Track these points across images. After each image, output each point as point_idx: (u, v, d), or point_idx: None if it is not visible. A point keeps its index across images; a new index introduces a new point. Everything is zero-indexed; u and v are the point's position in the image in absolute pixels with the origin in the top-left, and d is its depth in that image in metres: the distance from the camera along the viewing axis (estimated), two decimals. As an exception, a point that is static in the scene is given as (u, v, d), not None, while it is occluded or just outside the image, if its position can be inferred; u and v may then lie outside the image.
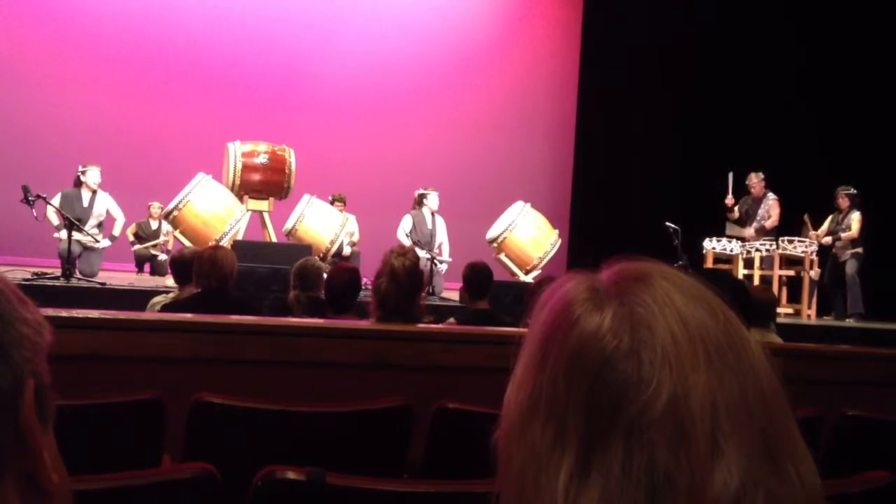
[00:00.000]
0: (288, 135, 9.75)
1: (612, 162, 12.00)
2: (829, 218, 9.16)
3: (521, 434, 0.65)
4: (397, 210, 9.21)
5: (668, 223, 8.95)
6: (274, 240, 8.80)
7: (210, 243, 7.10)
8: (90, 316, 2.63)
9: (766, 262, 8.99)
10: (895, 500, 1.77)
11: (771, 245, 8.89)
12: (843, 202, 9.01)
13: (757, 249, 8.93)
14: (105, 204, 8.36)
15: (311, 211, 8.69)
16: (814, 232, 9.07)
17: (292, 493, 1.51)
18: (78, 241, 7.69)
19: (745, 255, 9.04)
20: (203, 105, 11.09)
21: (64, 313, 2.57)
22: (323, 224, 8.69)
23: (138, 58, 10.94)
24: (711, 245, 9.12)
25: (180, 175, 8.48)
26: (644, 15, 11.65)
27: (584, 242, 11.42)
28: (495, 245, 9.25)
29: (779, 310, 7.68)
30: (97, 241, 8.17)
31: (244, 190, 8.78)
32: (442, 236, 9.09)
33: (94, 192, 8.24)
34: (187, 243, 7.71)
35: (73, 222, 7.44)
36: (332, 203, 9.19)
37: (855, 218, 8.88)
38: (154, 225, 10.00)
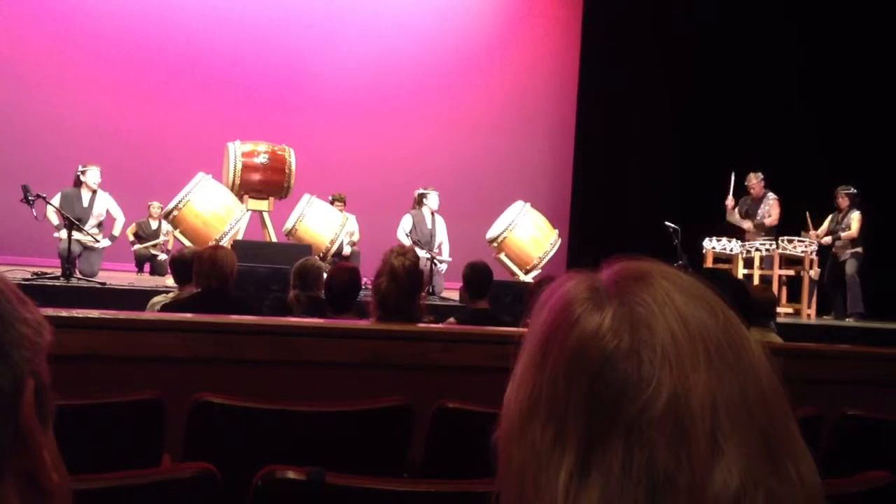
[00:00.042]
0: (288, 135, 9.75)
1: (612, 162, 12.00)
2: (829, 217, 9.16)
3: (521, 434, 0.65)
4: (397, 210, 9.21)
5: (667, 223, 8.95)
6: (274, 240, 8.80)
7: (210, 243, 7.10)
8: (90, 316, 2.63)
9: (766, 261, 8.99)
10: (895, 500, 1.77)
11: (771, 245, 8.89)
12: (843, 202, 9.02)
13: (757, 249, 8.93)
14: (105, 204, 8.36)
15: (311, 211, 8.69)
16: (813, 232, 9.08)
17: (292, 493, 1.51)
18: (78, 241, 7.69)
19: (744, 255, 9.04)
20: (203, 105, 11.09)
21: (64, 313, 2.57)
22: (323, 224, 8.69)
23: (138, 58, 10.94)
24: (711, 245, 9.11)
25: (180, 175, 8.48)
26: (644, 15, 11.65)
27: (584, 242, 11.43)
28: (495, 245, 9.25)
29: (779, 309, 7.68)
30: (97, 241, 8.17)
31: (244, 190, 8.78)
32: (442, 236, 9.09)
33: (94, 191, 8.24)
34: (187, 243, 7.71)
35: (73, 222, 7.44)
36: (332, 203, 9.20)
37: (855, 217, 8.88)
38: (154, 225, 10.00)
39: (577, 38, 12.53)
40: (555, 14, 12.62)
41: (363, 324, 3.28)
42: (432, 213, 9.08)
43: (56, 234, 8.11)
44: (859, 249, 8.88)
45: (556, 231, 9.56)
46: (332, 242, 8.64)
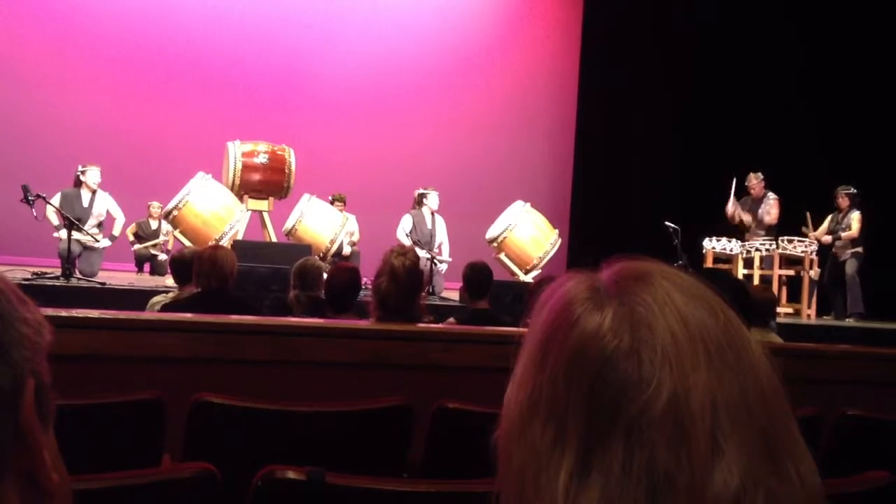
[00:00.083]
0: (288, 135, 9.75)
1: (612, 162, 12.00)
2: (829, 217, 9.16)
3: (521, 434, 0.65)
4: (397, 210, 9.21)
5: (667, 223, 8.95)
6: (274, 239, 8.80)
7: (210, 243, 7.10)
8: (90, 316, 2.63)
9: (766, 261, 8.98)
10: (895, 500, 1.77)
11: (771, 245, 8.88)
12: (843, 202, 9.01)
13: (757, 249, 8.93)
14: (105, 204, 8.36)
15: (310, 211, 8.69)
16: (813, 232, 9.08)
17: (292, 493, 1.51)
18: (78, 241, 7.69)
19: (744, 255, 9.04)
20: (203, 105, 11.09)
21: (64, 313, 2.57)
22: (323, 224, 8.69)
23: (138, 58, 10.94)
24: (711, 245, 9.11)
25: (180, 175, 8.48)
26: (644, 15, 11.65)
27: (584, 242, 11.43)
28: (495, 245, 9.25)
29: (779, 309, 7.68)
30: (97, 241, 8.17)
31: (244, 190, 8.78)
32: (442, 236, 9.09)
33: (94, 191, 8.24)
34: (187, 243, 7.71)
35: (72, 222, 7.44)
36: (332, 203, 9.20)
37: (855, 217, 8.88)
38: (154, 225, 10.00)
39: (577, 39, 12.53)
40: (555, 14, 12.62)
41: (363, 324, 3.28)
42: (432, 213, 9.08)
43: (56, 234, 8.11)
44: (859, 249, 8.88)
45: (556, 231, 9.55)
46: (332, 242, 8.64)
